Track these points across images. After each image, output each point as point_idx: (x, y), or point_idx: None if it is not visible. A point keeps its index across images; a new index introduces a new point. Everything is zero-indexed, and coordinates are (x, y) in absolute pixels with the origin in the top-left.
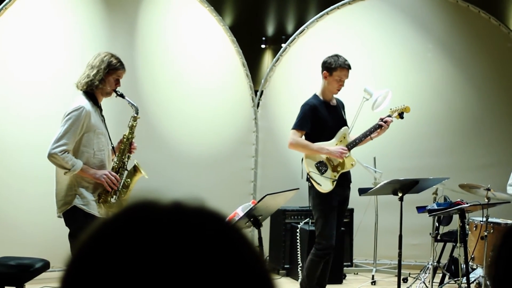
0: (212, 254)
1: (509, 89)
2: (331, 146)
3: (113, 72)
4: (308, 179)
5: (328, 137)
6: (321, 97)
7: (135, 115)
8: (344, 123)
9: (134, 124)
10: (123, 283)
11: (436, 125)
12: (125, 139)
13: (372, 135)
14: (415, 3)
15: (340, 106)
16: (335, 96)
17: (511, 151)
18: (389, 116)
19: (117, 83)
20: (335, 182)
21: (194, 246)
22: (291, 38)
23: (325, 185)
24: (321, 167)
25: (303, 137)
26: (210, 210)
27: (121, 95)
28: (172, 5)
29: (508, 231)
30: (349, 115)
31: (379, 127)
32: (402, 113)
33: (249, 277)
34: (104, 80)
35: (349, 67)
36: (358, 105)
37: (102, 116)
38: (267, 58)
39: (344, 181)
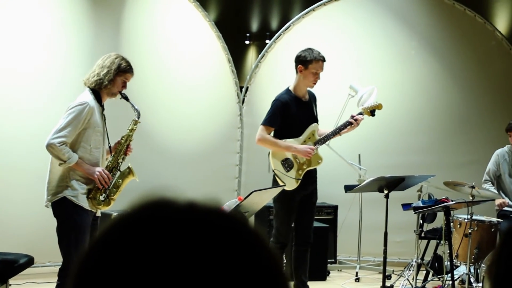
0: (227, 254)
1: (493, 87)
2: (299, 143)
3: (122, 74)
4: (273, 175)
5: (297, 134)
6: (293, 93)
7: (136, 119)
8: (314, 119)
9: (134, 128)
10: (137, 281)
11: (420, 122)
12: (123, 141)
13: (341, 132)
14: (402, 0)
15: (312, 100)
16: (309, 89)
17: (494, 149)
18: (361, 113)
19: (124, 85)
20: (299, 181)
21: (209, 245)
22: (277, 34)
23: (289, 183)
24: (287, 164)
25: (272, 132)
26: (226, 210)
27: (126, 98)
28: (158, 1)
29: (509, 230)
30: (334, 112)
31: (349, 125)
32: (374, 110)
33: (263, 276)
34: (112, 80)
35: (323, 60)
36: (344, 102)
37: (103, 115)
38: (251, 54)
39: (308, 178)
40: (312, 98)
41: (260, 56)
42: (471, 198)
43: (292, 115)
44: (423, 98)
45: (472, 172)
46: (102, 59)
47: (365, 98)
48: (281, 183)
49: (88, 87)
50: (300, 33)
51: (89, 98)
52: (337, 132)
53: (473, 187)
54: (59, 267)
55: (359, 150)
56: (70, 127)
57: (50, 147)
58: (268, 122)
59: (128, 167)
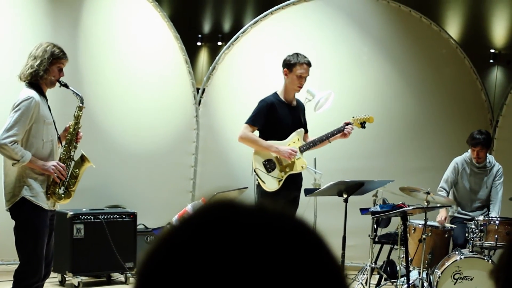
0: (294, 257)
1: (447, 94)
2: (283, 146)
3: (56, 61)
4: (255, 176)
5: (282, 137)
6: (281, 97)
7: (81, 104)
8: (300, 125)
9: (80, 114)
10: (203, 282)
11: (375, 127)
12: (71, 129)
13: (330, 139)
14: (359, 7)
15: (300, 108)
16: (297, 97)
17: (447, 155)
18: (350, 123)
19: (61, 72)
20: (281, 182)
21: (278, 249)
22: (234, 37)
23: (270, 183)
24: (269, 165)
25: (256, 133)
26: (292, 214)
27: (65, 85)
28: None
29: None
30: None
31: (339, 132)
32: (364, 122)
33: (328, 279)
34: (48, 70)
35: (308, 63)
36: None
37: (49, 106)
38: (203, 55)
39: (292, 183)
40: (301, 106)
41: (217, 57)
42: (426, 203)
43: (278, 117)
44: (378, 103)
45: (426, 178)
46: (34, 49)
47: (322, 103)
48: (261, 183)
49: (25, 81)
50: (258, 36)
51: (32, 92)
52: (324, 139)
53: (428, 193)
54: (12, 266)
55: (314, 154)
56: (19, 124)
57: (1, 147)
58: (252, 121)
59: (81, 155)
